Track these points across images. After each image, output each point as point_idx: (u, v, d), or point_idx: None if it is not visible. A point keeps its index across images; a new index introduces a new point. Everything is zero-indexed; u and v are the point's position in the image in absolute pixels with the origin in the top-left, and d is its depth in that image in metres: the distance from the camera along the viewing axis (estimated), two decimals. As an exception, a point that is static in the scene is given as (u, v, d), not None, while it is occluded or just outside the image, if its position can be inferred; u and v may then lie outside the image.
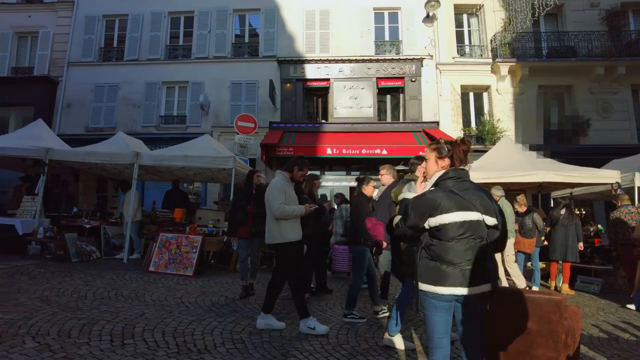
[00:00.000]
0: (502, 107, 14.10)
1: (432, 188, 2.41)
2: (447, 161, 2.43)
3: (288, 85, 14.42)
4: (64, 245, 7.61)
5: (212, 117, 14.42)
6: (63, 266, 7.19)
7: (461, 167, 2.43)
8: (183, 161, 8.12)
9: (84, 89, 14.91)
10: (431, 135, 13.08)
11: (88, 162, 8.97)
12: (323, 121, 14.36)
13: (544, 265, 7.65)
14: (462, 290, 2.12)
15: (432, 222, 2.21)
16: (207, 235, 7.20)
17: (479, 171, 7.79)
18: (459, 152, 2.42)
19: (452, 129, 13.86)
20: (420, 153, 13.06)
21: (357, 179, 5.38)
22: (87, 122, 14.62)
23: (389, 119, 14.65)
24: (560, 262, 7.20)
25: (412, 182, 3.44)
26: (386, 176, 5.01)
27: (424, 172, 2.76)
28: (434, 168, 2.49)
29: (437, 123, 13.85)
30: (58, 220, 8.71)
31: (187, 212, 9.04)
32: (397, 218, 2.51)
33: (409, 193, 3.25)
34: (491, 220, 2.22)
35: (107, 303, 4.85)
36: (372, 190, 5.22)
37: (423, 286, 2.21)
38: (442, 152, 2.45)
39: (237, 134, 11.47)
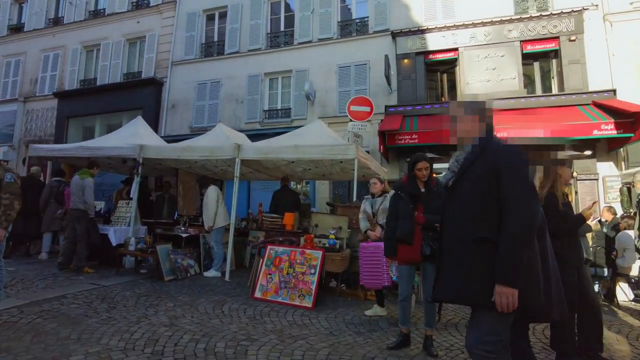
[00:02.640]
0: None
1: None
2: None
3: (405, 61, 12.01)
4: (157, 260, 6.27)
5: (318, 107, 12.66)
6: (154, 287, 5.79)
7: None
8: (293, 153, 6.28)
9: (187, 87, 14.32)
10: (607, 107, 9.65)
11: (186, 159, 7.67)
12: (452, 100, 11.63)
13: None
14: None
15: None
16: (328, 249, 5.20)
17: None
18: None
19: (638, 97, 10.11)
20: (595, 132, 9.81)
21: None
22: (191, 121, 13.93)
23: (538, 92, 11.37)
24: None
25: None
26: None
27: None
28: None
29: (614, 92, 10.26)
30: (154, 228, 7.53)
31: (299, 217, 7.25)
32: None
33: None
34: None
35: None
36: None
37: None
38: None
39: (350, 120, 9.44)
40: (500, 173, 1.95)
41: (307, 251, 5.09)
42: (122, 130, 9.03)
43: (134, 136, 8.11)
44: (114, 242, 6.83)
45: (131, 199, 7.44)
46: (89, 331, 3.75)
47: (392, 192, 4.25)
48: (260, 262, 5.28)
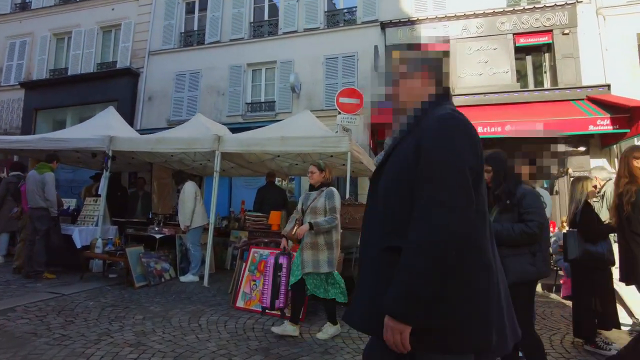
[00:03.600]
0: None
1: None
2: None
3: (395, 53, 11.50)
4: (127, 264, 5.61)
5: (304, 100, 12.07)
6: (122, 295, 5.14)
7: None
8: (280, 145, 5.67)
9: (165, 79, 13.52)
10: (602, 103, 9.38)
11: (160, 153, 7.00)
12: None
13: None
14: None
15: None
16: None
17: None
18: None
19: (633, 92, 9.86)
20: (590, 127, 9.52)
21: None
22: (168, 114, 13.15)
23: (530, 86, 11.04)
24: None
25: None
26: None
27: None
28: None
29: (608, 87, 9.99)
30: (125, 229, 6.85)
31: (287, 217, 6.68)
32: None
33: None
34: None
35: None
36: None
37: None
38: None
39: (339, 113, 8.90)
40: (421, 155, 1.32)
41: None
42: (91, 121, 8.26)
43: (104, 128, 7.39)
44: (78, 244, 6.11)
45: (99, 196, 6.72)
46: (35, 355, 3.10)
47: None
48: (243, 266, 4.69)
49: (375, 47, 10.78)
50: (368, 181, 9.03)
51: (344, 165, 6.43)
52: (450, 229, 1.21)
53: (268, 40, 12.85)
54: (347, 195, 5.62)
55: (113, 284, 5.79)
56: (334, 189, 3.93)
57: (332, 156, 6.64)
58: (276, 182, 9.72)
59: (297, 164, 7.89)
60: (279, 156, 7.26)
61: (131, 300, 4.94)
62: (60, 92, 13.97)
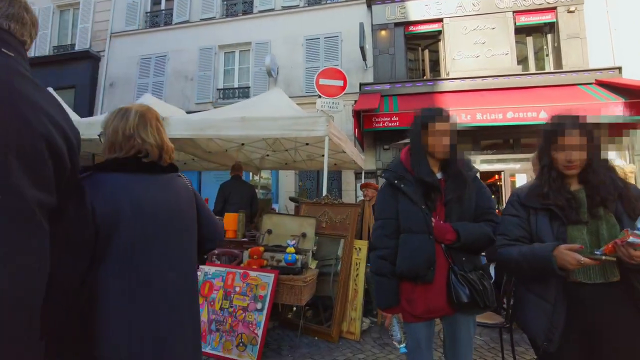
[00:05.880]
0: None
1: None
2: None
3: (383, 33, 10.36)
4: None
5: (281, 85, 10.80)
6: None
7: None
8: (240, 128, 4.40)
9: (128, 63, 12.18)
10: (614, 86, 8.41)
11: (91, 139, 5.70)
12: (436, 77, 10.08)
13: None
14: None
15: None
16: (284, 270, 3.40)
17: None
18: None
19: (644, 75, 8.90)
20: (602, 113, 8.53)
21: None
22: (132, 102, 11.76)
23: (532, 69, 10.00)
24: None
25: None
26: None
27: None
28: None
29: (619, 69, 9.00)
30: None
31: (251, 218, 5.46)
32: None
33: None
34: None
35: None
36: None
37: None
38: None
39: (319, 97, 7.73)
40: None
41: (253, 274, 3.34)
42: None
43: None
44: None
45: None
46: None
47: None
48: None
49: (361, 24, 9.57)
50: (353, 175, 7.70)
51: (323, 155, 5.26)
52: None
53: (242, 19, 11.59)
54: (324, 192, 4.44)
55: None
56: None
57: (307, 144, 5.46)
58: (247, 178, 8.56)
59: (268, 155, 6.68)
60: (243, 144, 6.02)
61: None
62: (9, 78, 12.46)
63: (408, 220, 1.90)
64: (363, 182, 7.93)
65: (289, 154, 6.43)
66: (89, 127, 5.01)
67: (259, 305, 3.19)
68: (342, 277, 3.83)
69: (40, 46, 13.04)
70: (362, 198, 7.45)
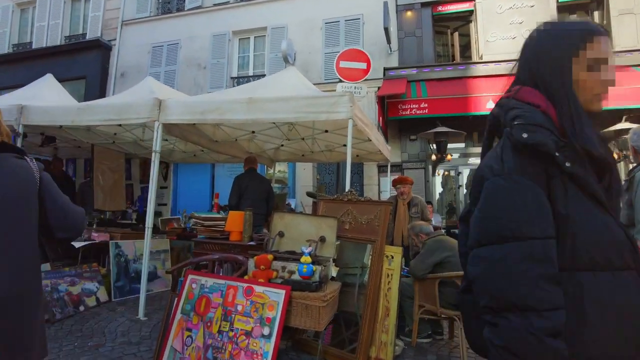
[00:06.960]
0: None
1: None
2: None
3: (408, 13, 9.53)
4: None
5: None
6: None
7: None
8: (246, 111, 3.70)
9: (139, 52, 11.68)
10: (674, 68, 7.42)
11: (88, 126, 5.17)
12: (468, 61, 9.20)
13: None
14: None
15: None
16: (298, 285, 2.71)
17: None
18: None
19: None
20: None
21: None
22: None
23: (576, 52, 9.00)
24: None
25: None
26: None
27: None
28: None
29: (680, 48, 7.99)
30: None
31: (266, 216, 4.83)
32: None
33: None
34: None
35: None
36: None
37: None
38: None
39: (340, 81, 7.02)
40: None
41: (258, 289, 2.67)
42: (18, 92, 6.35)
43: (28, 99, 5.52)
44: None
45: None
46: None
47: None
48: (175, 303, 2.86)
49: (385, 2, 8.75)
50: (376, 168, 6.84)
51: (345, 145, 4.56)
52: None
53: (257, 3, 10.90)
54: (347, 187, 3.73)
55: None
56: None
57: (326, 131, 4.76)
58: (263, 172, 7.94)
59: (282, 146, 5.99)
60: (254, 132, 5.35)
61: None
62: (19, 70, 12.12)
63: (595, 243, 0.91)
64: (388, 176, 7.19)
65: (306, 143, 5.72)
66: (80, 113, 4.43)
67: (265, 331, 2.52)
68: (371, 292, 3.13)
69: (52, 36, 12.66)
70: (389, 195, 6.68)
